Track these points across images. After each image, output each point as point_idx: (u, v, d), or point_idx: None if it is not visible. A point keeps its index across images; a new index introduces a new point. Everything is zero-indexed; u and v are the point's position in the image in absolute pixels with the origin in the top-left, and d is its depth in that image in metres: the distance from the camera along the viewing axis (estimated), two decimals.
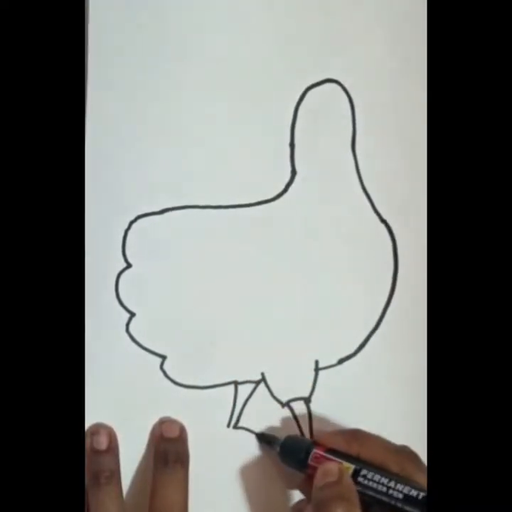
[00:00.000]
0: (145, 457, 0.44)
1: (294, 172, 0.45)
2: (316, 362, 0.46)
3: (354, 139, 0.46)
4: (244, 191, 0.45)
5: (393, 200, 0.47)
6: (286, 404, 0.46)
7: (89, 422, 0.42)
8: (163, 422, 0.44)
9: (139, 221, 0.44)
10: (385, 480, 0.40)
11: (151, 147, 0.44)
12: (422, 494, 0.39)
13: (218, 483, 0.45)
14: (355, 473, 0.41)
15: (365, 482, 0.40)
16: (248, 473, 0.46)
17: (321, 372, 0.46)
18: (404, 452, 0.42)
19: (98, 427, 0.43)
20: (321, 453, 0.42)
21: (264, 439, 0.45)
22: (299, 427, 0.46)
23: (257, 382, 0.45)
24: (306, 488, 0.43)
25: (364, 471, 0.40)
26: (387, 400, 0.47)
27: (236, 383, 0.45)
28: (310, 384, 0.46)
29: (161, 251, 0.44)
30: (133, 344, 0.44)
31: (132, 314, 0.44)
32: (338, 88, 0.46)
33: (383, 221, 0.47)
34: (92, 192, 0.43)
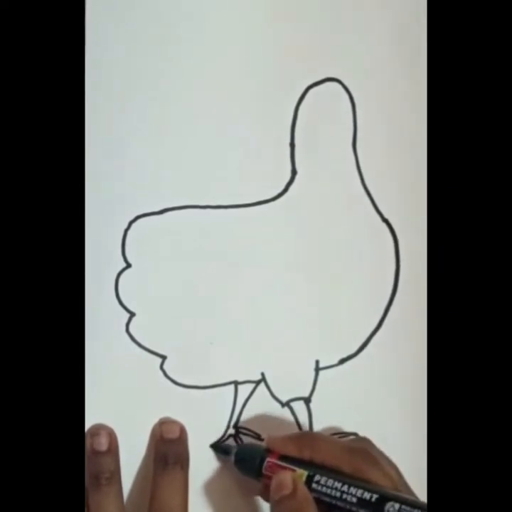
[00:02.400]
0: (145, 458, 0.44)
1: (294, 172, 0.45)
2: (317, 362, 0.46)
3: (355, 138, 0.46)
4: (244, 191, 0.45)
5: (395, 200, 0.47)
6: (286, 404, 0.46)
7: (89, 422, 0.42)
8: (163, 423, 0.44)
9: (139, 221, 0.44)
10: (338, 484, 0.40)
11: (151, 147, 0.44)
12: (375, 496, 0.39)
13: (218, 484, 0.45)
14: (309, 480, 0.40)
15: (319, 488, 0.40)
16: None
17: (321, 372, 0.46)
18: (355, 449, 0.41)
19: (98, 428, 0.43)
20: (274, 461, 0.42)
21: (219, 449, 0.45)
22: (299, 427, 0.46)
23: (257, 382, 0.45)
24: (265, 495, 0.42)
25: (317, 477, 0.40)
26: (388, 400, 0.47)
27: (236, 383, 0.45)
28: (310, 384, 0.46)
29: (161, 251, 0.44)
30: (133, 344, 0.44)
31: (132, 314, 0.44)
32: (339, 87, 0.46)
33: (385, 220, 0.47)
34: (92, 192, 0.43)
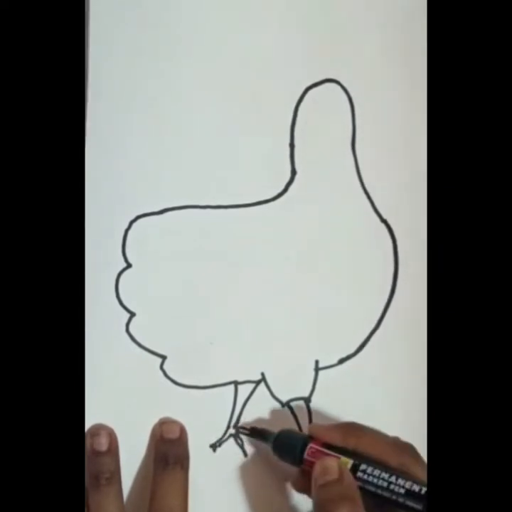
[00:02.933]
0: (145, 458, 0.44)
1: (293, 172, 0.45)
2: (316, 362, 0.46)
3: (354, 139, 0.46)
4: (244, 191, 0.45)
5: (393, 200, 0.47)
6: (286, 404, 0.46)
7: (89, 422, 0.42)
8: (164, 423, 0.44)
9: (139, 221, 0.44)
10: (385, 475, 0.40)
11: (151, 147, 0.44)
12: (424, 489, 0.39)
13: (218, 485, 0.45)
14: (354, 468, 0.40)
15: (365, 477, 0.40)
16: (248, 475, 0.46)
17: (321, 372, 0.46)
18: (402, 445, 0.41)
19: (98, 428, 0.43)
20: (318, 447, 0.41)
21: (258, 433, 0.44)
22: (299, 426, 0.46)
23: (257, 382, 0.45)
24: (300, 483, 0.42)
25: (363, 466, 0.40)
26: (388, 400, 0.47)
27: (236, 383, 0.45)
28: (310, 384, 0.46)
29: (161, 251, 0.44)
30: (133, 344, 0.44)
31: (132, 314, 0.44)
32: (338, 88, 0.46)
33: (383, 221, 0.47)
34: (92, 192, 0.43)
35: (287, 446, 0.42)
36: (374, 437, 0.42)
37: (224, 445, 0.45)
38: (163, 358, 0.44)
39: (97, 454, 0.42)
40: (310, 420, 0.46)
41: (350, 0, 0.45)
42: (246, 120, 0.45)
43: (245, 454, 0.45)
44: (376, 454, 0.41)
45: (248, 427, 0.45)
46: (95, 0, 0.42)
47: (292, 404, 0.46)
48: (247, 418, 0.45)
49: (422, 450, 0.40)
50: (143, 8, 0.43)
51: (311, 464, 0.41)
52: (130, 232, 0.44)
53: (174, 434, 0.44)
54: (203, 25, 0.44)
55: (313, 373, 0.46)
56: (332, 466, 0.40)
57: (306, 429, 0.45)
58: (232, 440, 0.45)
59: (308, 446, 0.42)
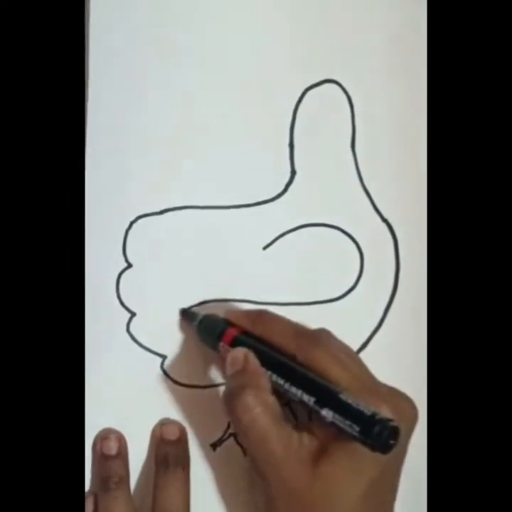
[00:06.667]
0: (145, 458, 0.44)
1: (293, 172, 0.45)
2: None
3: (354, 139, 0.46)
4: (244, 191, 0.45)
5: (394, 199, 0.47)
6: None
7: (89, 422, 0.42)
8: (163, 424, 0.44)
9: (140, 221, 0.44)
10: (281, 381, 0.39)
11: (152, 147, 0.44)
12: (312, 400, 0.38)
13: (218, 485, 0.45)
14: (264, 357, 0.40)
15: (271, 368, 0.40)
16: (248, 475, 0.45)
17: None
18: (305, 333, 0.41)
19: (108, 432, 0.43)
20: (233, 334, 0.42)
21: (185, 314, 0.44)
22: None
23: None
24: (223, 370, 0.43)
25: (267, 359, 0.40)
26: None
27: None
28: None
29: (161, 251, 0.44)
30: (133, 344, 0.44)
31: (132, 314, 0.44)
32: (337, 88, 0.46)
33: (384, 220, 0.47)
34: (92, 191, 0.43)
35: (208, 330, 0.43)
36: (278, 325, 0.42)
37: (224, 445, 0.45)
38: (163, 357, 0.44)
39: (107, 458, 0.43)
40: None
41: (349, 1, 0.45)
42: (246, 120, 0.45)
43: (245, 453, 0.45)
44: (278, 341, 0.41)
45: (180, 308, 0.45)
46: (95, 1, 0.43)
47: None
48: None
49: (423, 449, 0.40)
50: (142, 9, 0.44)
51: (227, 351, 0.41)
52: (131, 232, 0.44)
53: (174, 436, 0.44)
54: (202, 26, 0.44)
55: None
56: (238, 356, 0.40)
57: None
58: (232, 440, 0.45)
59: (225, 333, 0.42)
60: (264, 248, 0.45)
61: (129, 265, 0.44)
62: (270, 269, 0.45)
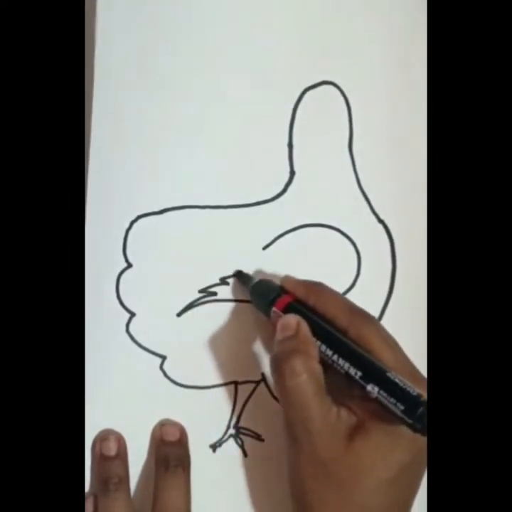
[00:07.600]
0: (145, 460, 0.44)
1: (292, 172, 0.46)
2: None
3: (351, 140, 0.46)
4: (243, 191, 0.45)
5: (391, 201, 0.47)
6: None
7: (89, 422, 0.42)
8: (163, 425, 0.44)
9: (140, 221, 0.44)
10: (329, 352, 0.40)
11: (152, 147, 0.44)
12: (359, 374, 0.38)
13: (218, 485, 0.45)
14: (316, 327, 0.40)
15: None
16: (248, 475, 0.45)
17: None
18: (357, 310, 0.41)
19: (107, 433, 0.43)
20: (286, 301, 0.42)
21: (241, 276, 0.44)
22: None
23: (257, 382, 0.45)
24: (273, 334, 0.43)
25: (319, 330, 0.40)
26: None
27: (236, 383, 0.45)
28: None
29: (161, 251, 0.44)
30: (133, 344, 0.44)
31: (132, 314, 0.44)
32: (335, 90, 0.46)
33: (381, 221, 0.47)
34: (93, 191, 0.43)
35: (262, 295, 0.43)
36: (332, 298, 0.42)
37: (224, 445, 0.45)
38: (163, 358, 0.44)
39: (106, 458, 0.42)
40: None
41: (348, 2, 0.46)
42: (245, 121, 0.45)
43: (245, 454, 0.45)
44: (331, 314, 0.41)
45: (235, 271, 0.45)
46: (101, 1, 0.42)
47: None
48: (247, 418, 0.45)
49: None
50: (142, 11, 0.43)
51: (278, 317, 0.41)
52: (131, 232, 0.44)
53: (174, 437, 0.44)
54: (201, 27, 0.44)
55: None
56: (290, 323, 0.40)
57: None
58: (232, 440, 0.45)
59: (278, 299, 0.42)
60: (264, 248, 0.45)
61: (129, 265, 0.44)
62: (270, 269, 0.45)
